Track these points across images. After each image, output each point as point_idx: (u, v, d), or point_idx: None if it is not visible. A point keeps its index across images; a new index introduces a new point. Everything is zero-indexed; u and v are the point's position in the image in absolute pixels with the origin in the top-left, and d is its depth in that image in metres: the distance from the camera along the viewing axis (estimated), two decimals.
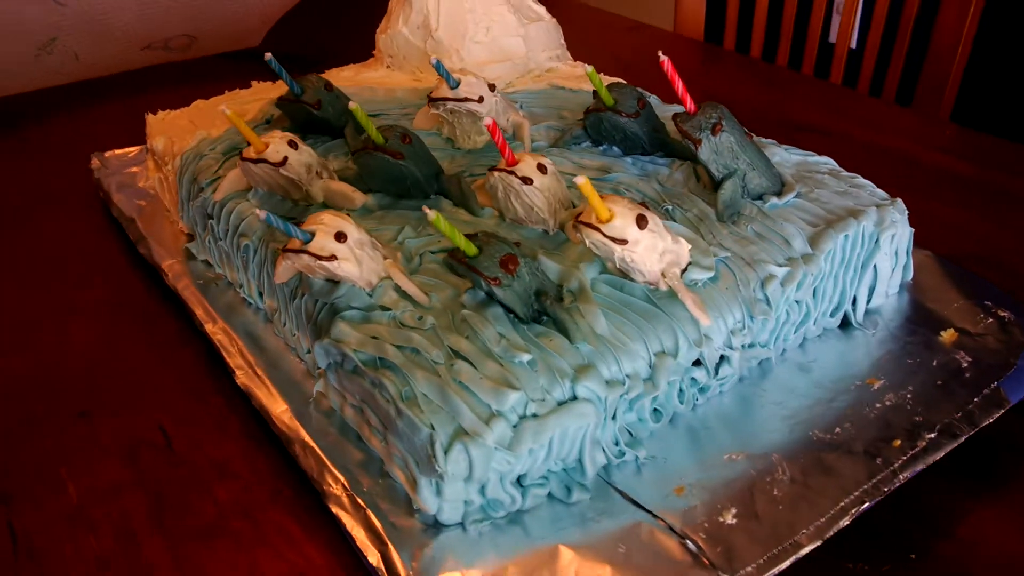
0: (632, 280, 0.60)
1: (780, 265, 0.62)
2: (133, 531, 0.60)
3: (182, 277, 0.79)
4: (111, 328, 0.80)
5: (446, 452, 0.51)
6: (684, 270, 0.61)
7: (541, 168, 0.65)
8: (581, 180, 0.54)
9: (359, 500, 0.55)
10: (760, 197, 0.69)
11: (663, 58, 0.66)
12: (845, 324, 0.69)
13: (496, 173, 0.65)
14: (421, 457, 0.52)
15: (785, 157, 0.74)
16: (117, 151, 1.03)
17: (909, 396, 0.61)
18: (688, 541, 0.52)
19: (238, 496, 0.62)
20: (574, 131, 0.78)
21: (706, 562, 0.50)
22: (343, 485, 0.57)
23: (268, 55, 0.75)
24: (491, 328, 0.56)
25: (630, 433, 0.58)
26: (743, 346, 0.61)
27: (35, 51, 1.22)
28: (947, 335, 0.66)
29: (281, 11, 1.35)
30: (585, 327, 0.56)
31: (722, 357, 0.61)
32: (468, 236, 0.57)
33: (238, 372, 0.67)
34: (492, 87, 0.77)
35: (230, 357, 0.69)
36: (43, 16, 1.18)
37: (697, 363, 0.60)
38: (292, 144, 0.69)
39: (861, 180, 0.72)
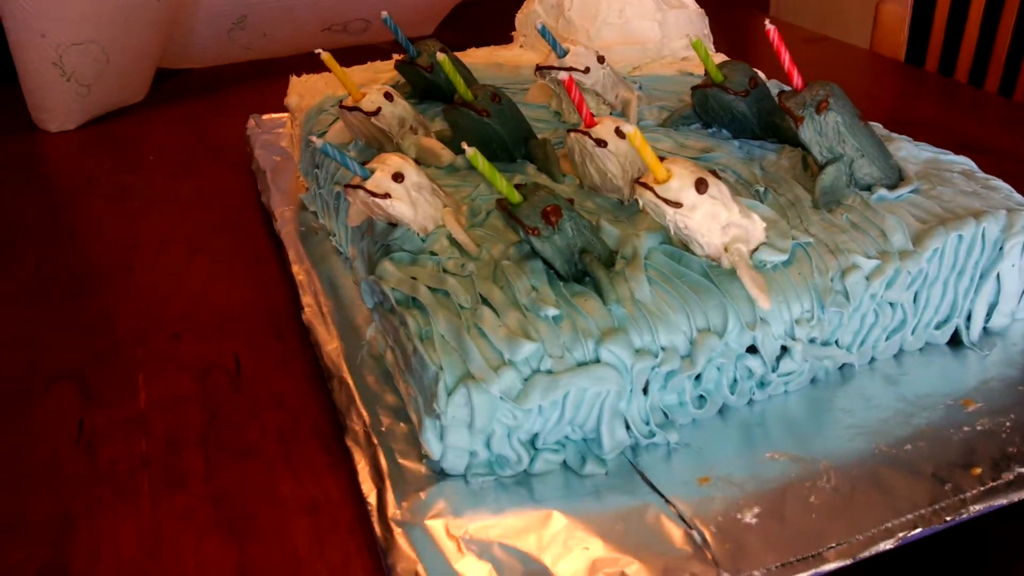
0: (693, 253, 0.55)
1: (869, 257, 0.55)
2: (181, 440, 0.62)
3: (288, 223, 0.83)
4: (224, 265, 0.85)
5: (449, 394, 0.49)
6: (755, 250, 0.55)
7: (619, 133, 0.61)
8: (630, 129, 0.50)
9: (373, 438, 0.55)
10: (869, 188, 0.62)
11: (769, 27, 0.61)
12: (956, 342, 0.61)
13: (573, 135, 0.62)
14: (427, 397, 0.51)
15: (913, 152, 0.66)
16: (273, 115, 1.11)
17: (1008, 424, 0.52)
18: (695, 532, 0.46)
19: (282, 425, 0.63)
20: (684, 111, 0.74)
21: (709, 556, 0.45)
22: (364, 422, 0.56)
23: (384, 13, 0.77)
24: (524, 280, 0.53)
25: (665, 415, 0.54)
26: (810, 340, 0.55)
27: (229, 27, 1.33)
28: None
29: (455, 1, 1.40)
30: (624, 291, 0.52)
31: (784, 349, 0.55)
32: (517, 186, 0.55)
33: (306, 309, 0.69)
34: (601, 59, 0.75)
35: (303, 295, 0.71)
36: None
37: (754, 351, 0.54)
38: (388, 96, 0.71)
39: (998, 182, 0.63)
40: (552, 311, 0.51)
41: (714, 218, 0.53)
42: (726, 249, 0.54)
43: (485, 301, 0.53)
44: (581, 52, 0.74)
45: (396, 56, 0.96)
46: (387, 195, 0.58)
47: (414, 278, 0.56)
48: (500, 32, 1.03)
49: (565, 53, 0.74)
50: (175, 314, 0.78)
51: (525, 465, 0.51)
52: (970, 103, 1.19)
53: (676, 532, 0.47)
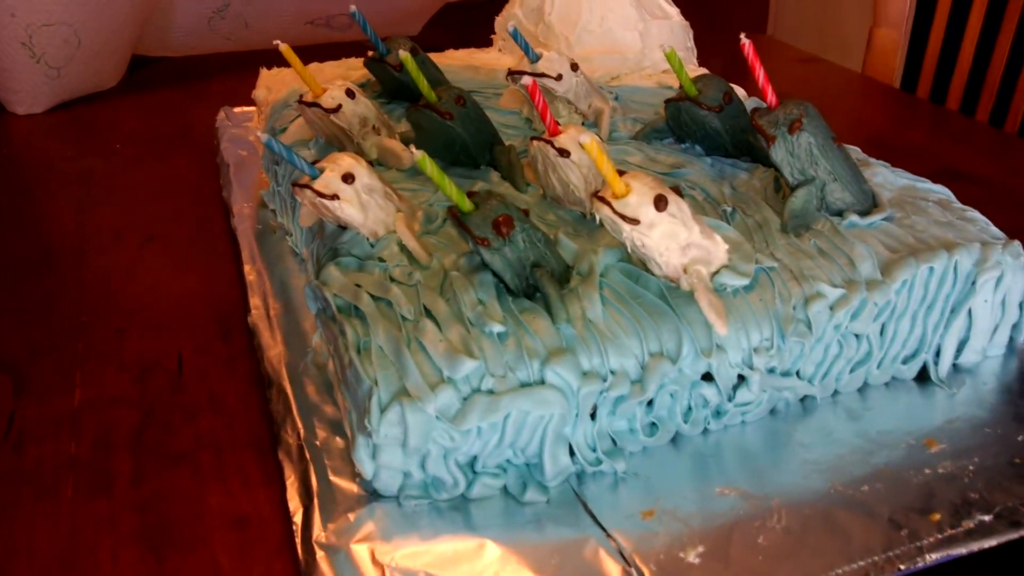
0: (651, 273, 0.53)
1: (835, 286, 0.53)
2: (111, 442, 0.59)
3: (246, 220, 0.80)
4: (177, 259, 0.82)
5: (382, 411, 0.46)
6: (716, 273, 0.53)
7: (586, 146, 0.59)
8: (586, 139, 0.48)
9: (307, 452, 0.52)
10: (840, 214, 0.59)
11: (744, 40, 0.59)
12: (924, 377, 0.58)
13: (535, 143, 0.60)
14: (361, 412, 0.48)
15: (889, 179, 0.64)
16: (246, 108, 1.08)
17: (971, 468, 0.50)
18: (633, 569, 0.44)
19: (217, 430, 0.60)
20: (657, 124, 0.71)
21: None
22: (299, 435, 0.53)
23: (353, 7, 0.74)
24: (471, 292, 0.51)
25: (613, 442, 0.51)
26: (769, 370, 0.52)
27: (210, 15, 1.30)
28: None
29: (442, 2, 1.37)
30: (576, 310, 0.50)
31: (741, 378, 0.52)
32: (470, 194, 0.52)
33: (253, 311, 0.66)
34: (575, 66, 0.72)
35: (251, 296, 0.68)
36: None
37: (710, 379, 0.52)
38: (349, 93, 0.68)
39: (974, 214, 0.60)
40: (497, 327, 0.48)
41: (673, 237, 0.50)
42: (685, 270, 0.51)
43: (429, 313, 0.50)
44: (554, 58, 0.72)
45: (371, 54, 0.94)
46: (335, 196, 0.55)
47: (358, 285, 0.53)
48: (486, 35, 1.01)
49: (538, 58, 0.72)
50: (121, 307, 0.75)
51: (462, 489, 0.48)
52: (960, 131, 1.17)
53: (614, 569, 0.44)
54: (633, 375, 0.49)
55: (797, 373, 0.54)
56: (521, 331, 0.49)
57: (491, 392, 0.47)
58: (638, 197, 0.50)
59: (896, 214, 0.59)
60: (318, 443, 0.53)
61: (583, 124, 0.75)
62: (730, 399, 0.52)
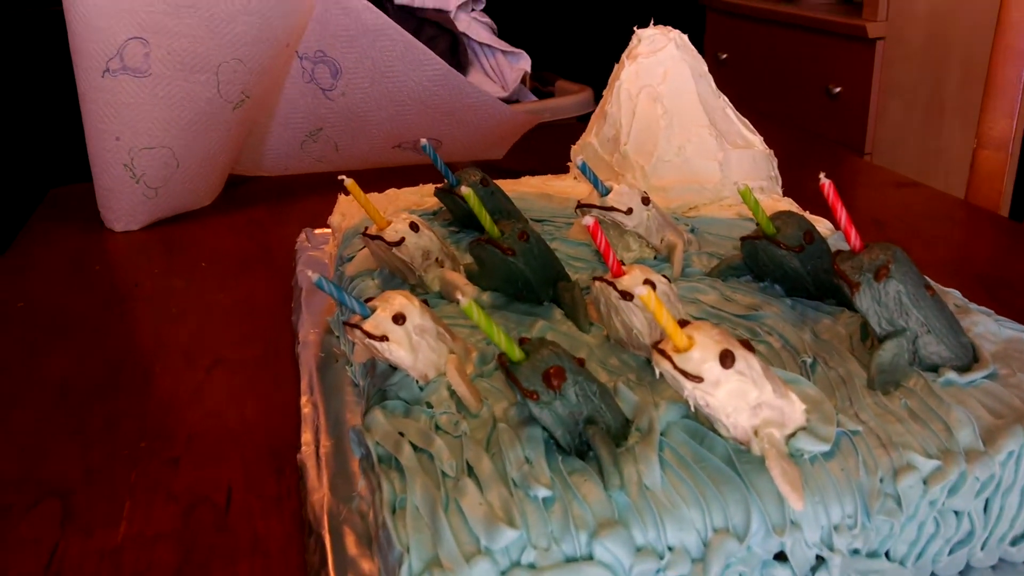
0: (718, 433, 0.48)
1: (929, 456, 0.47)
2: None
3: (310, 347, 0.79)
4: (241, 384, 0.81)
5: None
6: (792, 436, 0.47)
7: (650, 284, 0.55)
8: (642, 291, 0.44)
9: None
10: (935, 369, 0.54)
11: (824, 180, 0.55)
12: None
13: (598, 283, 0.57)
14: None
15: (992, 328, 0.58)
16: (325, 229, 1.09)
17: None
18: None
19: None
20: (733, 261, 0.68)
21: None
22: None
23: (424, 140, 0.74)
24: (518, 449, 0.47)
25: None
26: (853, 551, 0.46)
27: (303, 138, 1.35)
28: None
29: (528, 127, 1.38)
30: (632, 474, 0.45)
31: (819, 559, 0.46)
32: (522, 340, 0.49)
33: (303, 448, 0.64)
34: (646, 200, 0.70)
35: (304, 431, 0.66)
36: (313, 107, 1.31)
37: (783, 558, 0.46)
38: (413, 226, 0.67)
39: None
40: (543, 492, 0.44)
41: (741, 396, 0.46)
42: (755, 432, 0.47)
43: (471, 470, 0.47)
44: (624, 191, 0.70)
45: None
46: (384, 338, 0.53)
47: (401, 433, 0.50)
48: (568, 157, 1.00)
49: (608, 191, 0.70)
50: (179, 434, 0.74)
51: None
52: None
53: None
54: (694, 552, 0.44)
55: (887, 554, 0.48)
56: (569, 496, 0.44)
57: (532, 567, 0.42)
58: (702, 352, 0.46)
59: (1000, 371, 0.53)
60: None
61: (655, 258, 0.72)
62: None
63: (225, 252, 1.15)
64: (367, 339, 0.53)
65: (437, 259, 0.68)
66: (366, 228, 0.69)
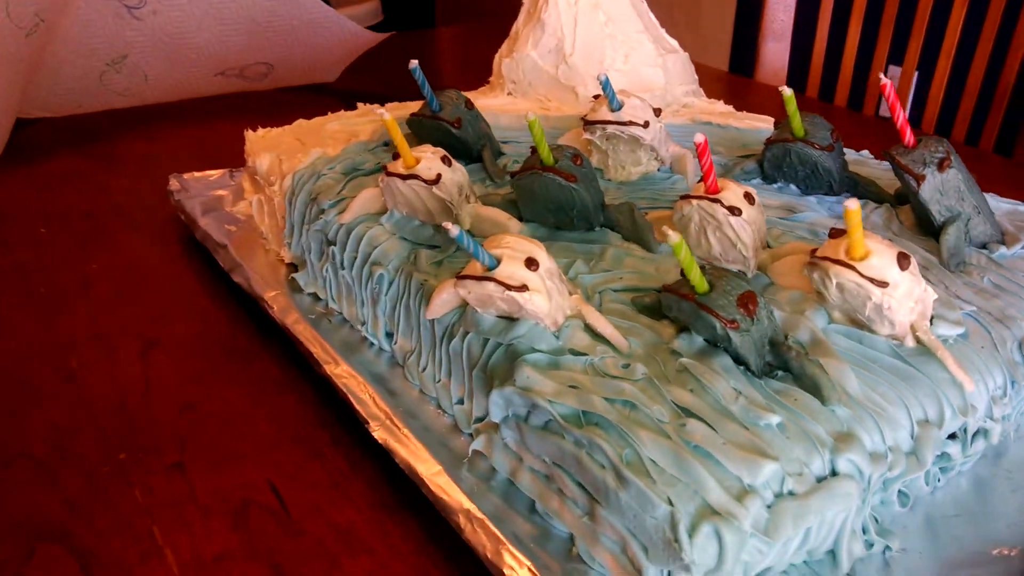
0: (872, 332, 0.50)
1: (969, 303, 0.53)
2: None
3: (289, 311, 0.69)
4: (198, 367, 0.69)
5: (690, 536, 0.40)
6: (930, 325, 0.51)
7: (748, 198, 0.55)
8: (854, 205, 0.44)
9: None
10: (984, 246, 0.60)
11: (885, 80, 0.57)
12: None
13: (694, 201, 0.55)
14: (653, 540, 0.41)
15: (994, 204, 0.65)
16: (196, 173, 0.94)
17: None
18: None
19: (375, 575, 0.51)
20: (745, 165, 0.69)
21: None
22: (528, 568, 0.45)
23: (414, 63, 0.66)
24: (723, 381, 0.45)
25: (875, 519, 0.48)
26: (1004, 418, 0.51)
27: (103, 68, 1.14)
28: None
29: (364, 47, 1.28)
30: (837, 386, 0.46)
31: (978, 430, 0.50)
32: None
33: (373, 424, 0.57)
34: (658, 112, 0.68)
35: (361, 406, 0.58)
36: (117, 30, 1.10)
37: (953, 436, 0.50)
38: (445, 160, 0.60)
39: None
40: (774, 418, 0.43)
41: (910, 295, 0.48)
42: (912, 328, 0.49)
43: (686, 411, 0.44)
44: (638, 105, 0.68)
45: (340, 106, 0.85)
46: (524, 287, 0.48)
47: (573, 386, 0.47)
48: (409, 78, 0.92)
49: (621, 106, 0.67)
50: (160, 437, 0.62)
51: None
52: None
53: None
54: (906, 448, 0.46)
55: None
56: (796, 418, 0.44)
57: (792, 494, 0.42)
58: (880, 258, 0.47)
59: None
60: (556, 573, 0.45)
61: (659, 170, 0.71)
62: (967, 453, 0.51)
63: (63, 212, 0.95)
64: (505, 292, 0.48)
65: (466, 195, 0.62)
66: (385, 167, 0.61)
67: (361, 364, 0.62)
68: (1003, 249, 0.59)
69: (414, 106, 0.88)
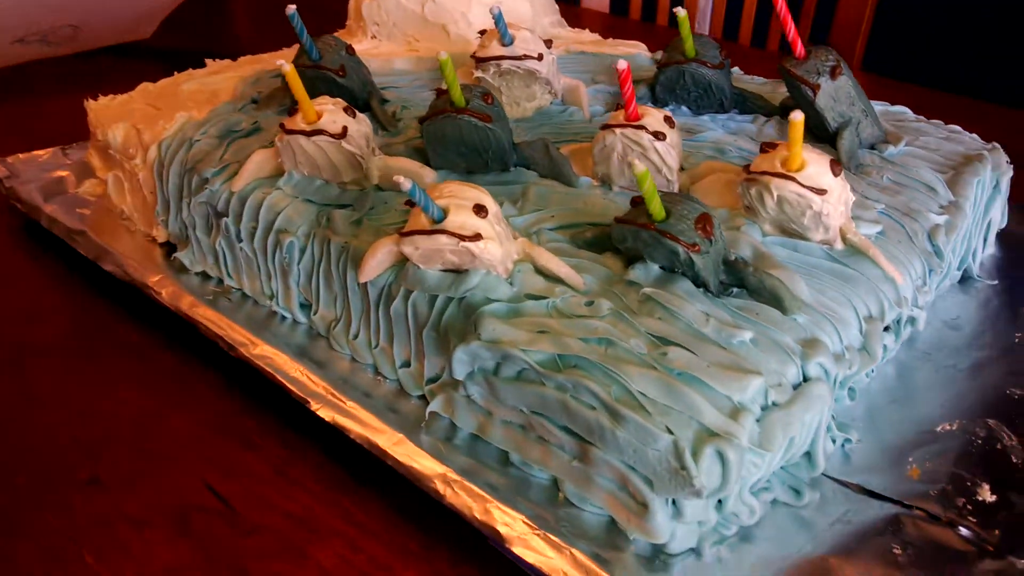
0: (805, 239, 0.51)
1: (939, 213, 0.56)
2: None
3: (181, 295, 0.62)
4: (84, 370, 0.62)
5: (695, 460, 0.40)
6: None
7: (669, 121, 0.55)
8: (798, 117, 0.45)
9: (552, 537, 0.43)
10: (873, 147, 0.63)
11: None
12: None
13: (617, 131, 0.55)
14: (657, 472, 0.41)
15: None
16: (21, 156, 0.83)
17: None
18: (961, 528, 0.44)
19: (351, 559, 0.48)
20: (638, 91, 0.69)
21: (990, 548, 0.43)
22: (523, 521, 0.44)
23: (291, 8, 0.60)
24: (690, 305, 0.46)
25: (832, 416, 0.50)
26: (925, 304, 0.55)
27: None
28: None
29: (173, 4, 1.16)
30: (795, 295, 0.47)
31: (906, 319, 0.54)
32: (637, 199, 0.46)
33: (314, 402, 0.53)
34: (549, 43, 0.67)
35: (295, 385, 0.54)
36: None
37: (887, 329, 0.53)
38: (349, 111, 0.56)
39: (953, 126, 0.68)
40: (747, 335, 0.44)
41: (841, 200, 0.50)
42: (842, 231, 0.51)
43: (663, 340, 0.44)
44: (529, 38, 0.66)
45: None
46: (477, 236, 0.46)
47: (542, 331, 0.45)
48: (228, 31, 0.86)
49: (512, 40, 0.65)
50: (66, 452, 0.55)
51: (758, 516, 0.44)
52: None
53: (945, 534, 0.44)
54: (857, 345, 0.48)
55: None
56: (764, 331, 0.45)
57: (775, 405, 0.43)
58: (816, 167, 0.48)
59: (908, 139, 0.64)
60: (551, 522, 0.44)
61: (552, 104, 0.70)
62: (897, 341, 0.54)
63: None
64: (459, 243, 0.45)
65: (372, 147, 0.58)
66: (281, 124, 0.56)
67: (279, 341, 0.58)
68: (891, 148, 0.62)
69: (269, 59, 0.82)
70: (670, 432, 0.41)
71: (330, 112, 0.55)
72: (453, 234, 0.45)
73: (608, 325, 0.45)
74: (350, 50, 0.66)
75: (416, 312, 0.50)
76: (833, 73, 0.60)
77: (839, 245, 0.52)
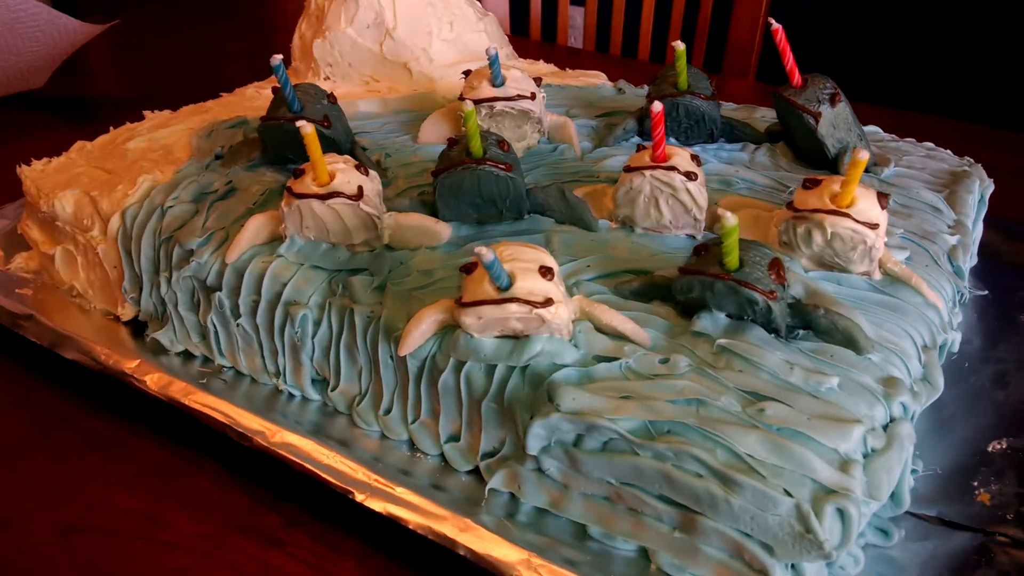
0: (846, 272, 0.51)
1: (951, 234, 0.58)
2: None
3: (170, 381, 0.56)
4: (58, 475, 0.54)
5: (819, 519, 0.38)
6: None
7: (695, 160, 0.54)
8: (863, 156, 0.44)
9: None
10: (867, 171, 0.64)
11: (775, 25, 0.58)
12: None
13: (647, 172, 0.53)
14: (779, 537, 0.39)
15: None
16: None
17: None
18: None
19: None
20: (626, 124, 0.67)
21: None
22: None
23: (277, 58, 0.55)
24: (769, 354, 0.44)
25: None
26: (958, 325, 0.55)
27: None
28: None
29: (70, 49, 1.06)
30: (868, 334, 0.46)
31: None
32: (704, 246, 0.45)
33: (357, 493, 0.48)
34: (539, 81, 0.64)
35: (330, 475, 0.49)
36: None
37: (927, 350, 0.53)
38: (361, 169, 0.52)
39: (928, 143, 0.70)
40: (833, 380, 0.43)
41: (884, 231, 0.50)
42: (880, 262, 0.51)
43: (755, 395, 0.42)
44: (520, 77, 0.63)
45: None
46: (548, 301, 0.43)
47: (626, 396, 0.43)
48: (129, 78, 0.80)
49: (504, 81, 0.62)
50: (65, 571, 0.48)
51: (862, 565, 0.43)
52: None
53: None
54: (919, 375, 0.48)
55: None
56: (842, 374, 0.44)
57: (875, 451, 0.42)
58: (865, 202, 0.48)
59: (893, 158, 0.66)
60: None
61: (539, 143, 0.67)
62: None
63: None
64: (532, 311, 0.42)
65: (383, 205, 0.54)
66: (288, 187, 0.50)
67: (290, 422, 0.53)
68: (886, 170, 0.63)
69: (214, 107, 0.75)
70: (788, 495, 0.39)
71: (342, 171, 0.50)
72: (525, 301, 0.42)
73: (693, 383, 0.43)
74: (331, 98, 0.61)
75: (471, 384, 0.46)
76: (832, 101, 0.60)
77: (877, 275, 0.51)
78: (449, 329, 0.47)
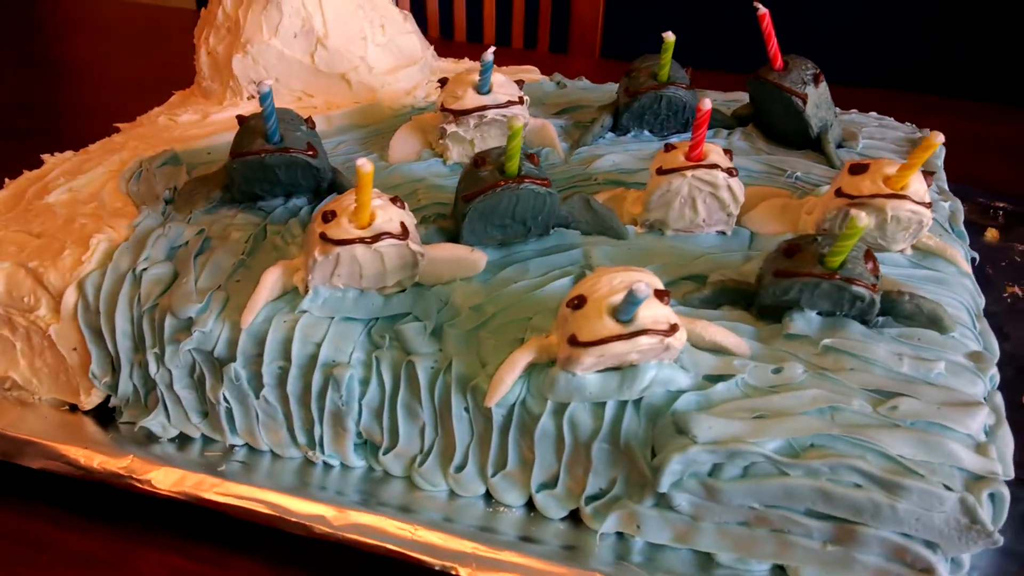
0: (888, 250, 0.52)
1: (943, 200, 0.60)
2: None
3: (183, 476, 0.47)
4: None
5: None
6: None
7: (728, 154, 0.52)
8: (940, 138, 0.44)
9: None
10: (840, 145, 0.65)
11: (762, 10, 0.58)
12: None
13: (688, 173, 0.50)
14: (945, 533, 0.39)
15: None
16: None
17: None
18: None
19: None
20: (604, 121, 0.65)
21: None
22: None
23: (267, 83, 0.47)
24: (876, 347, 0.43)
25: None
26: None
27: None
28: None
29: None
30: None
31: None
32: (794, 245, 0.43)
33: (461, 568, 0.42)
34: (521, 84, 0.60)
35: (424, 553, 0.43)
36: None
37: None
38: (398, 203, 0.45)
39: (873, 113, 0.72)
40: (940, 365, 0.43)
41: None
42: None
43: (879, 392, 0.42)
44: (504, 81, 0.59)
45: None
46: (674, 327, 0.39)
47: (759, 416, 0.40)
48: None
49: (490, 89, 0.58)
50: None
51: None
52: None
53: None
54: (979, 346, 0.49)
55: None
56: (945, 359, 0.44)
57: (992, 427, 0.42)
58: (918, 183, 0.48)
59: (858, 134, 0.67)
60: None
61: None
62: None
63: None
64: (664, 339, 0.39)
65: None
66: (321, 234, 0.43)
67: (337, 495, 0.46)
68: (858, 144, 0.65)
69: (123, 142, 0.65)
70: (949, 489, 0.38)
71: (383, 209, 0.44)
72: (655, 332, 0.38)
73: (823, 391, 0.41)
74: (310, 123, 0.54)
75: (576, 427, 0.42)
76: (816, 81, 0.60)
77: (908, 251, 0.52)
78: (534, 370, 0.43)
